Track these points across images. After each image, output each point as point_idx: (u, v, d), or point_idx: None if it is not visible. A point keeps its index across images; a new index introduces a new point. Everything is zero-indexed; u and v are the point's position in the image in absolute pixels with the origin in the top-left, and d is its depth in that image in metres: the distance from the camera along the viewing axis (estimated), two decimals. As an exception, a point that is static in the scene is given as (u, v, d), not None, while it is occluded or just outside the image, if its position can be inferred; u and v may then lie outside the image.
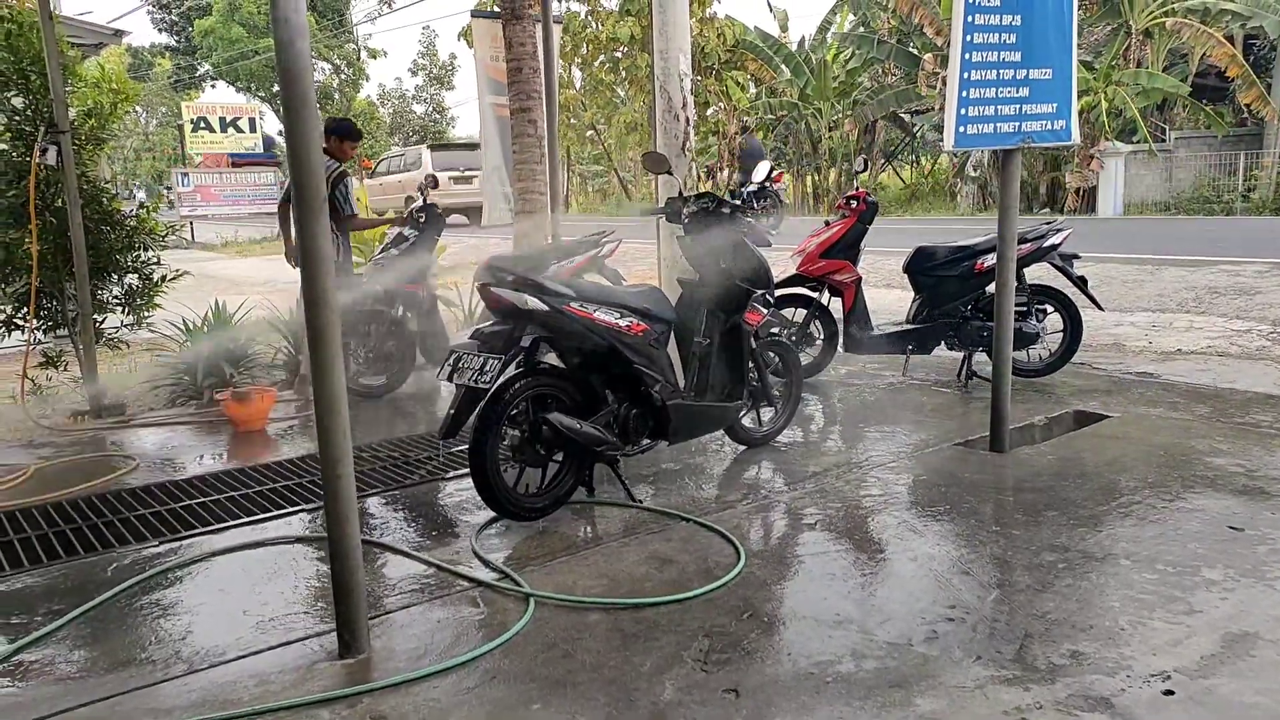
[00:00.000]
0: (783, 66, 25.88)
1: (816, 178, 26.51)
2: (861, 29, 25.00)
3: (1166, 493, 3.68)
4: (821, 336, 6.11)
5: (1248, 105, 19.23)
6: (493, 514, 3.68)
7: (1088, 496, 3.70)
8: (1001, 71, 4.23)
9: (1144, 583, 2.91)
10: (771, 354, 4.73)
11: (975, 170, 21.30)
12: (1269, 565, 2.99)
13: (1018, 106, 4.31)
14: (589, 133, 28.84)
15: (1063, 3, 4.33)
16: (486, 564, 3.27)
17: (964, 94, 4.13)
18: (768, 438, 4.67)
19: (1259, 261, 8.80)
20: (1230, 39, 19.28)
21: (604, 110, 27.01)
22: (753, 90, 28.37)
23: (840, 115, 25.32)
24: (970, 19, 4.08)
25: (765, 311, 4.59)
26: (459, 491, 4.12)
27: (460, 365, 3.70)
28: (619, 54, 25.93)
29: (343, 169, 6.64)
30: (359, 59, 46.18)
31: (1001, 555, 3.18)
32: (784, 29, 28.51)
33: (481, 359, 3.64)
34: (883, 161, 27.27)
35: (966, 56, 4.10)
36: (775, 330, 4.83)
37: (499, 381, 3.52)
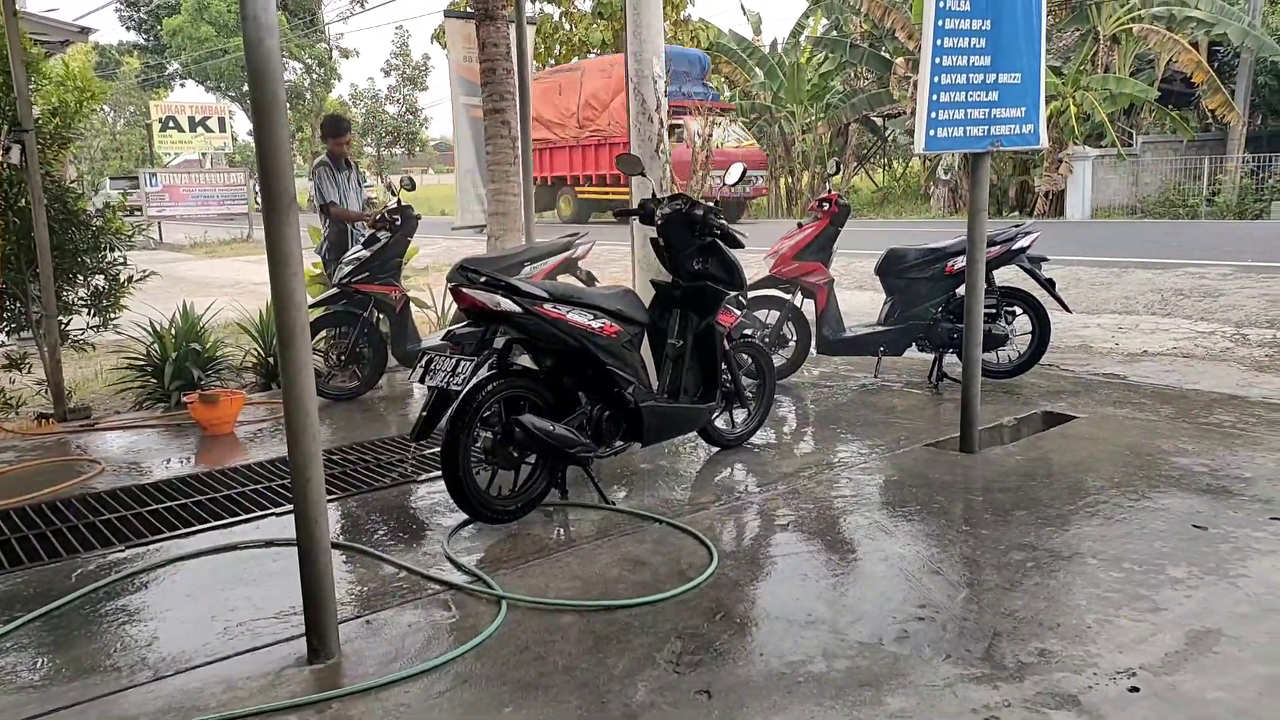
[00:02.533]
0: (756, 69, 26.03)
1: (790, 180, 26.64)
2: (834, 33, 25.18)
3: (1132, 492, 3.74)
4: (794, 338, 6.14)
5: (1212, 111, 19.58)
6: (465, 516, 3.66)
7: (1055, 496, 3.74)
8: (971, 75, 4.27)
9: (1110, 581, 2.94)
10: (744, 355, 4.75)
11: (946, 173, 21.50)
12: (1231, 563, 3.04)
13: (987, 110, 4.36)
14: (563, 134, 28.73)
15: (1031, 8, 4.38)
16: (458, 567, 3.25)
17: (934, 97, 4.17)
18: (741, 439, 4.68)
19: (1223, 264, 8.95)
20: (1195, 45, 19.61)
21: (578, 112, 26.92)
22: (727, 92, 28.51)
23: (813, 118, 25.47)
24: (940, 23, 4.11)
25: (738, 313, 4.61)
26: (431, 494, 4.09)
27: (432, 367, 3.68)
28: (592, 56, 25.93)
29: (321, 159, 6.74)
30: (330, 59, 45.84)
31: (971, 555, 3.21)
32: (757, 32, 28.67)
33: (454, 361, 3.63)
34: (855, 164, 27.47)
35: (937, 60, 4.14)
36: (748, 332, 4.85)
37: (471, 384, 3.51)
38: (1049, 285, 5.86)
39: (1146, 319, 7.17)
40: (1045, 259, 5.96)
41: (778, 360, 6.01)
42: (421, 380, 3.67)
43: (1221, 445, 4.32)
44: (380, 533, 3.68)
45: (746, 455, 4.57)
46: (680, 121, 22.75)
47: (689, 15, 25.98)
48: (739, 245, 4.42)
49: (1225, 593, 2.84)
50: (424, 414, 3.61)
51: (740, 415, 4.76)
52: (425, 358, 3.76)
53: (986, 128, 4.37)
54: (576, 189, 24.05)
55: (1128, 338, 6.73)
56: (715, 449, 4.64)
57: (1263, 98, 20.62)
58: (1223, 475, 3.89)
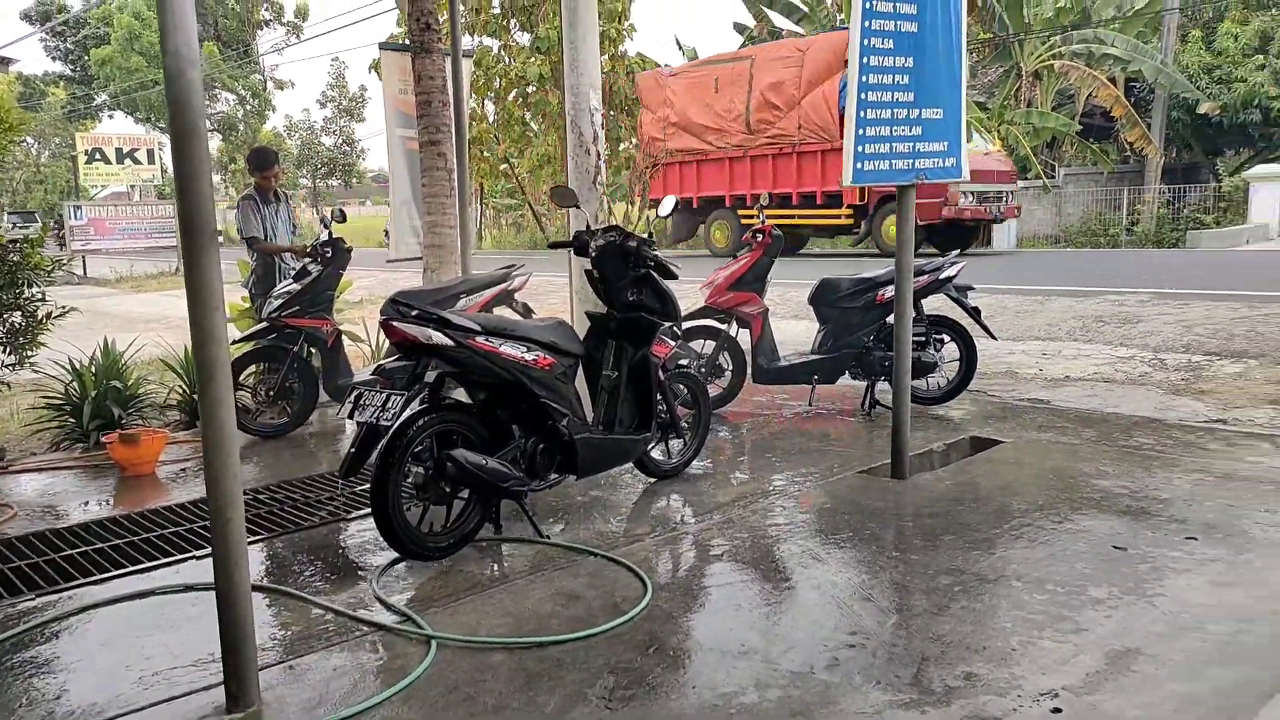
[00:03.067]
0: (694, 102, 26.35)
1: (728, 211, 26.98)
2: (769, 67, 25.68)
3: (1056, 515, 3.83)
4: (730, 368, 6.19)
5: (1130, 144, 20.45)
6: (395, 554, 3.59)
7: (982, 520, 3.82)
8: (895, 110, 4.39)
9: (1034, 603, 3.00)
10: (680, 386, 4.77)
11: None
12: (1149, 583, 3.13)
13: (911, 144, 4.48)
14: (502, 166, 28.81)
15: (952, 46, 4.53)
16: (387, 606, 3.18)
17: (860, 131, 4.27)
18: (677, 469, 4.69)
19: (1142, 291, 9.29)
20: (1113, 81, 20.49)
21: (517, 144, 27.06)
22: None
23: (752, 150, 25.88)
24: (865, 60, 4.23)
25: (673, 344, 4.64)
26: (361, 532, 4.01)
27: (362, 402, 3.63)
28: (530, 89, 26.07)
29: (246, 193, 6.68)
30: (265, 90, 45.34)
31: (901, 580, 3.25)
32: (694, 66, 29.11)
33: (384, 395, 3.58)
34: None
35: (862, 96, 4.25)
36: (684, 362, 4.87)
37: (402, 418, 3.46)
38: (975, 313, 6.01)
39: (1069, 345, 7.40)
40: (971, 288, 6.11)
41: (714, 390, 6.05)
42: (350, 416, 3.61)
43: (1140, 467, 4.45)
44: (307, 573, 3.58)
45: (683, 485, 4.58)
46: None
47: (625, 51, 26.31)
48: (672, 277, 4.45)
49: (1143, 612, 2.92)
50: (352, 450, 3.55)
51: (676, 445, 4.77)
52: (354, 393, 3.70)
53: (911, 160, 4.49)
54: (740, 212, 18.55)
55: (1051, 363, 6.93)
56: (652, 480, 4.63)
57: (1176, 131, 21.61)
58: (1142, 497, 4.01)
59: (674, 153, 19.13)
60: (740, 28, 26.40)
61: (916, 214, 17.76)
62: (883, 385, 5.91)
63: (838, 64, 16.46)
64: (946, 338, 6.01)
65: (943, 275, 5.90)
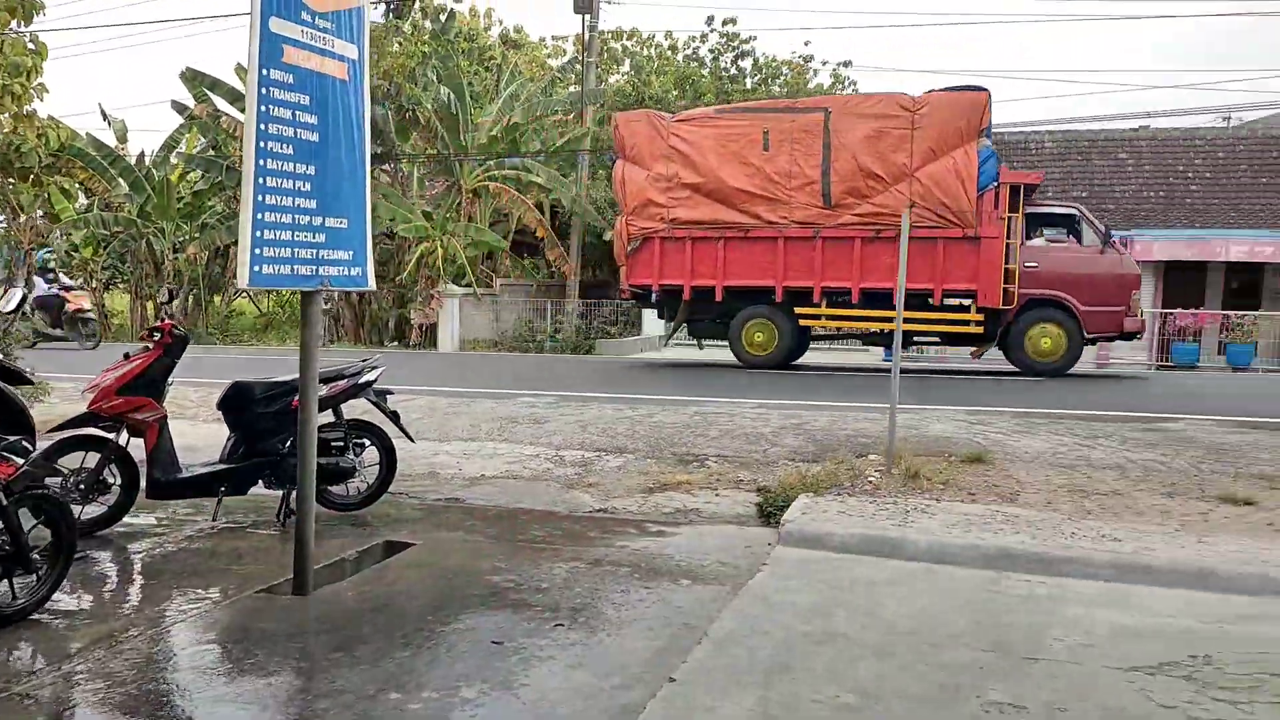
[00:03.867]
0: (120, 180, 23.68)
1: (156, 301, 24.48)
2: (212, 152, 24.21)
3: (446, 616, 3.96)
4: (119, 482, 5.43)
5: (550, 262, 23.22)
6: None
7: (377, 631, 3.79)
8: (298, 216, 4.34)
9: (410, 714, 3.02)
10: (29, 511, 4.01)
11: (327, 303, 21.83)
12: (517, 674, 3.36)
13: (315, 251, 4.45)
14: None
15: (356, 161, 4.65)
16: None
17: (258, 234, 4.13)
18: (24, 613, 3.88)
19: (550, 394, 10.42)
20: (540, 206, 23.20)
21: None
22: (83, 200, 25.44)
23: (187, 237, 23.98)
24: (262, 163, 4.12)
25: (21, 460, 3.90)
26: None
27: None
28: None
29: None
30: None
31: (278, 715, 3.04)
32: (122, 140, 26.24)
33: None
34: (237, 289, 26.33)
35: (260, 199, 4.13)
36: (40, 483, 4.12)
37: None
38: (394, 417, 6.12)
39: (488, 444, 7.92)
40: (390, 392, 6.23)
41: (98, 508, 5.27)
42: None
43: (530, 560, 4.85)
44: None
45: (33, 631, 3.81)
46: (1070, 209, 14.31)
47: (34, 109, 22.73)
48: (26, 382, 3.82)
49: (508, 705, 3.11)
50: None
51: (27, 582, 3.97)
52: None
53: (315, 267, 4.46)
54: (798, 310, 14.36)
55: (470, 463, 7.34)
56: (-11, 629, 3.78)
57: (589, 253, 25.08)
58: (525, 588, 4.35)
59: (683, 224, 14.59)
60: (180, 107, 24.51)
61: (1095, 324, 13.66)
62: (299, 494, 5.67)
63: (971, 131, 13.56)
64: (368, 442, 6.02)
65: (362, 380, 5.93)
